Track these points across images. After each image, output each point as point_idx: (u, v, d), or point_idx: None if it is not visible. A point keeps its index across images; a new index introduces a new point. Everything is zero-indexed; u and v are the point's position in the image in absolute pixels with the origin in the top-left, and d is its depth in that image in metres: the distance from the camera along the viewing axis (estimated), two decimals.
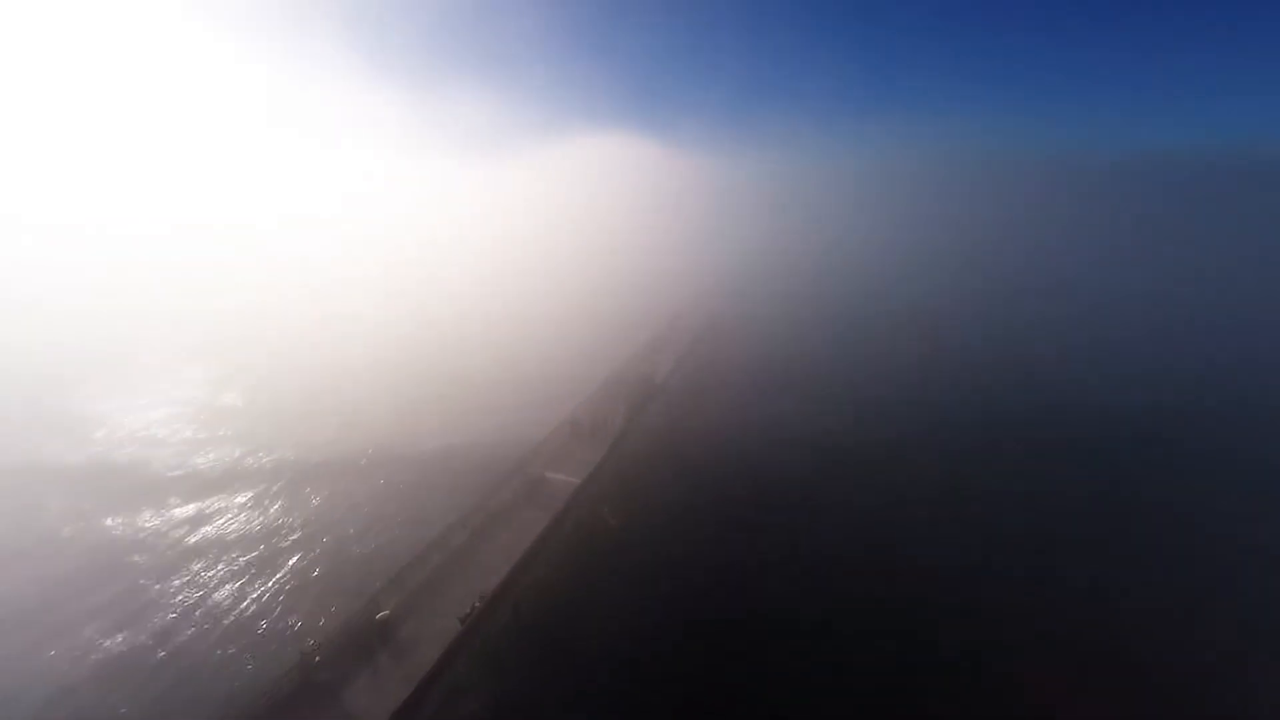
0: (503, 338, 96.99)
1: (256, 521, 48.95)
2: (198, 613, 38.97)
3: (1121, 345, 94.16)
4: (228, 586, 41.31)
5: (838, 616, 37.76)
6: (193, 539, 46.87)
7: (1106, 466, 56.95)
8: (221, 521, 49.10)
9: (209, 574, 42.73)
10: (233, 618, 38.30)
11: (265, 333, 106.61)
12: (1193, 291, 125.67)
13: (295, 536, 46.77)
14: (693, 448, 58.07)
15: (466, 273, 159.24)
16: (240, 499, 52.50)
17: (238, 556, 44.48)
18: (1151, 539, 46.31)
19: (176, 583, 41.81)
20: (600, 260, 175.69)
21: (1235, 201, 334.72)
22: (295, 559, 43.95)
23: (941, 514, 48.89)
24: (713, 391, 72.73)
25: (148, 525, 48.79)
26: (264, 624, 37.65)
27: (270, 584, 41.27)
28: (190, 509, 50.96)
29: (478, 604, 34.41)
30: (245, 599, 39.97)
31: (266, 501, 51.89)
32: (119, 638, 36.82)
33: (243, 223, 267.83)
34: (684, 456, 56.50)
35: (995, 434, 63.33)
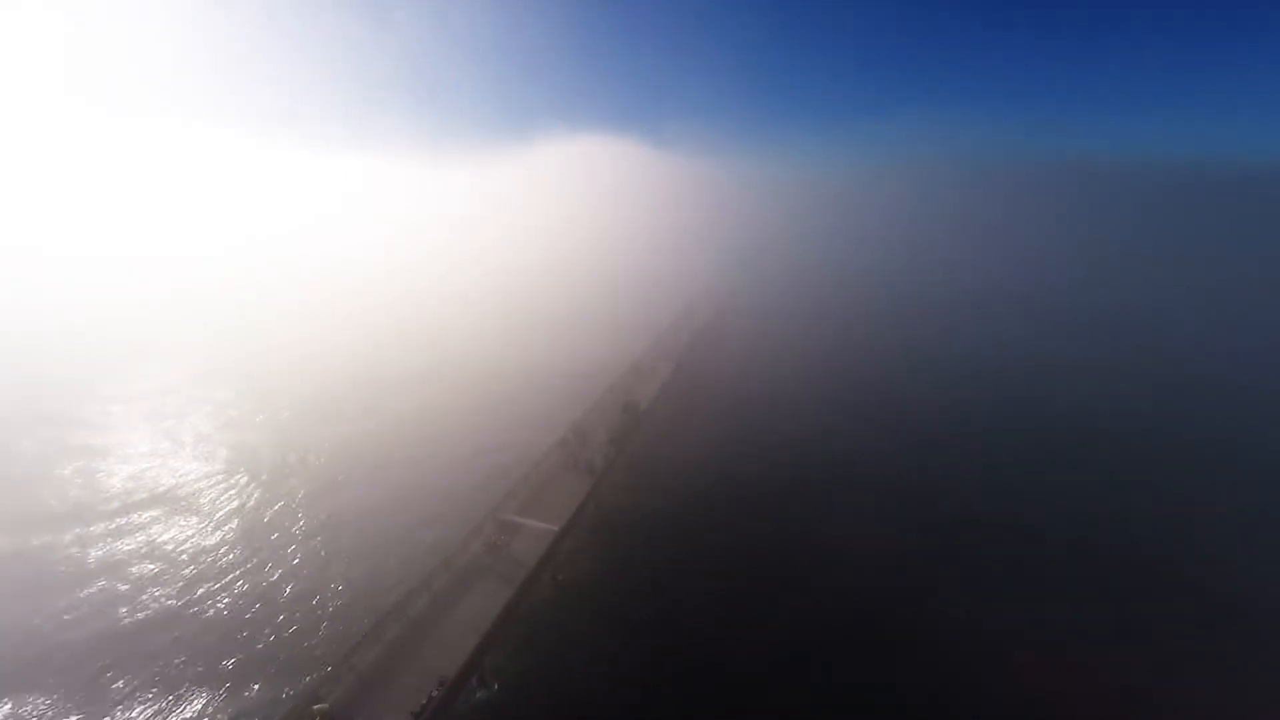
0: (481, 357, 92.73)
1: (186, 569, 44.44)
2: None
3: (1124, 349, 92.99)
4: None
5: (843, 678, 34.32)
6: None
7: (1108, 468, 57.19)
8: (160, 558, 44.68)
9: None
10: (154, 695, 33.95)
11: (243, 352, 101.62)
12: (1194, 299, 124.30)
13: (236, 590, 42.39)
14: (679, 486, 53.82)
15: (444, 285, 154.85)
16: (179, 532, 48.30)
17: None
18: (1151, 540, 46.29)
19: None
20: (584, 269, 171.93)
21: (1232, 208, 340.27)
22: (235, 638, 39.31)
23: (946, 537, 46.87)
24: (701, 418, 68.53)
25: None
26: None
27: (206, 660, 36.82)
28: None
29: (435, 693, 30.08)
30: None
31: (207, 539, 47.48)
32: None
33: (223, 234, 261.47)
34: (670, 496, 52.25)
35: (997, 447, 61.99)
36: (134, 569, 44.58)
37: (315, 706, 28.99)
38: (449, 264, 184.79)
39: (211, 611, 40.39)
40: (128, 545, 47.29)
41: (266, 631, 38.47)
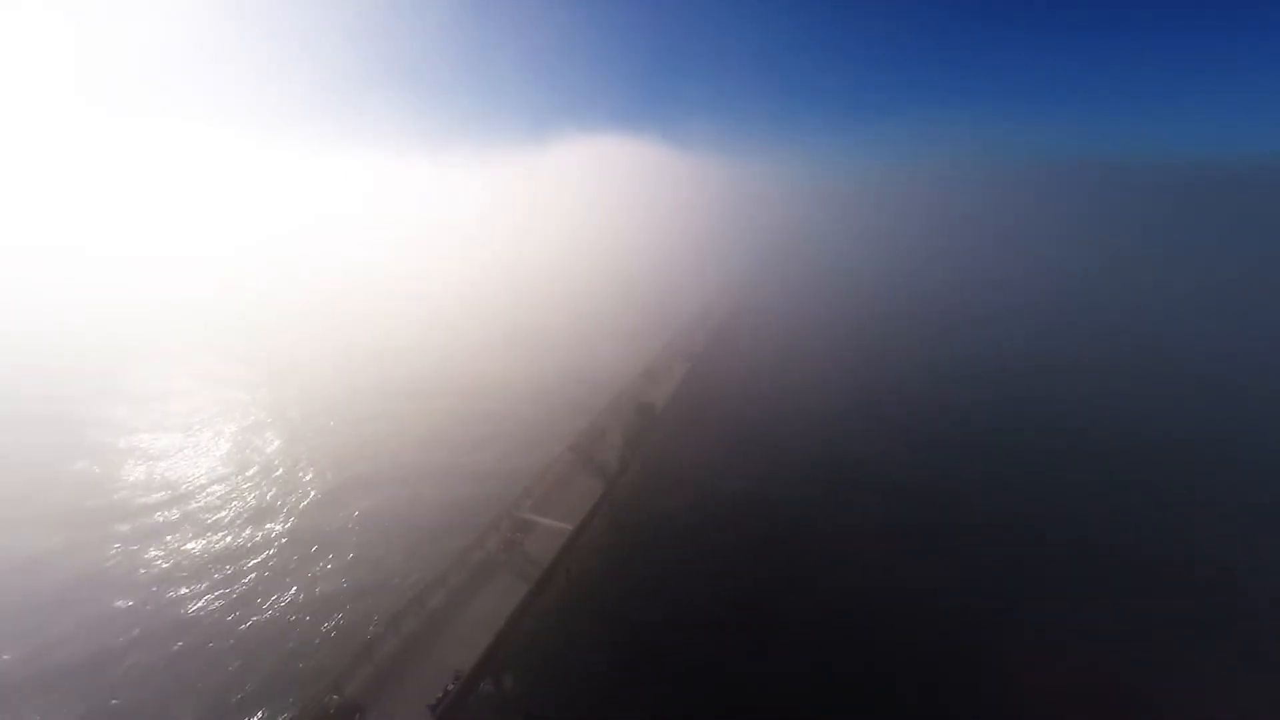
0: (498, 358, 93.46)
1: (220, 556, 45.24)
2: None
3: (1128, 350, 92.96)
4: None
5: (844, 678, 34.92)
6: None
7: (1109, 469, 57.47)
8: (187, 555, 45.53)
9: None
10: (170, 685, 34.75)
11: (259, 351, 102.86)
12: (1196, 300, 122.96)
13: (254, 580, 43.19)
14: (692, 487, 54.58)
15: (461, 285, 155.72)
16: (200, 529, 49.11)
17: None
18: (1151, 540, 46.47)
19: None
20: (600, 271, 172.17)
21: (1235, 208, 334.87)
22: (252, 615, 40.22)
23: (949, 537, 47.52)
24: (714, 419, 69.20)
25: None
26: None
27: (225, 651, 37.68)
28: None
29: (450, 686, 30.50)
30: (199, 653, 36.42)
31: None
32: None
33: (232, 235, 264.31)
34: (683, 497, 53.05)
35: (1001, 448, 62.52)
36: (153, 569, 45.66)
37: (332, 698, 29.48)
38: (463, 265, 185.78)
39: (234, 605, 41.37)
40: (151, 546, 48.28)
41: (287, 629, 39.34)
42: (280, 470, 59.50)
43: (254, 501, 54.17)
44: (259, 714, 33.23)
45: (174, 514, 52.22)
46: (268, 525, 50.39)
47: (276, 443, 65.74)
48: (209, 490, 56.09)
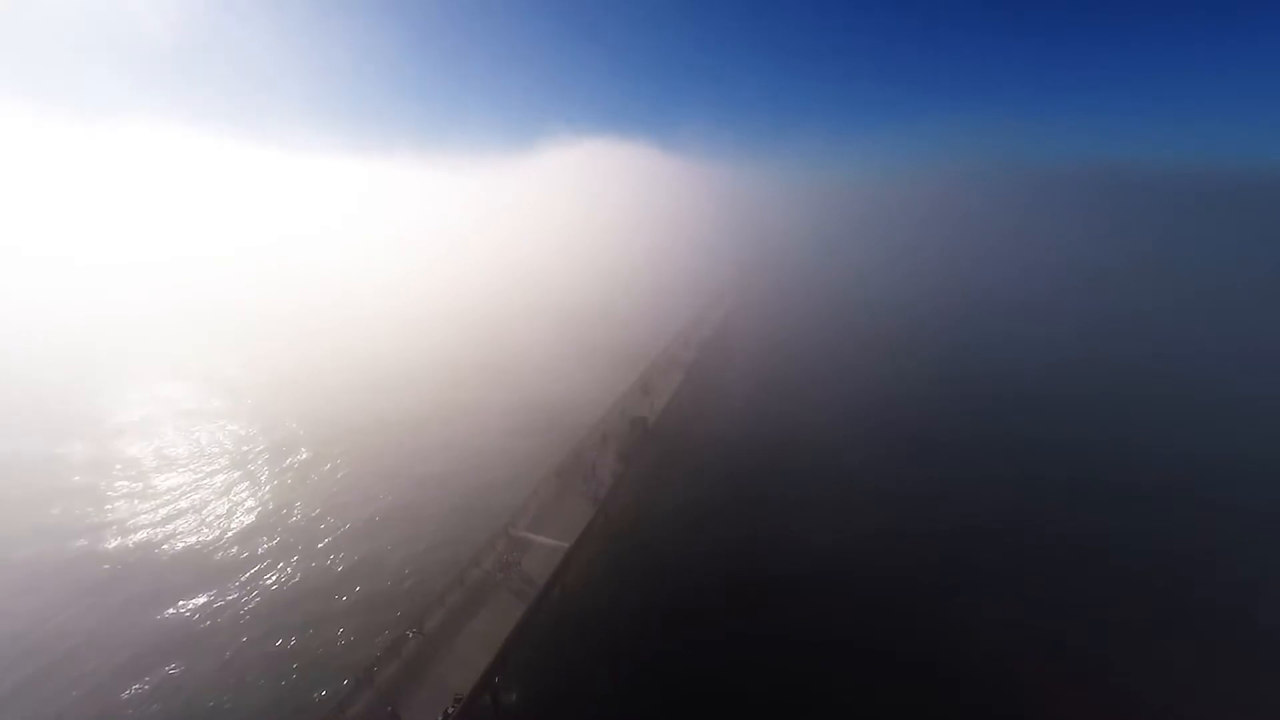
0: (487, 368, 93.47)
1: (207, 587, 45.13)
2: None
3: (1131, 354, 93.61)
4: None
5: (844, 686, 35.24)
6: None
7: (1110, 472, 57.96)
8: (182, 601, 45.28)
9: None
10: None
11: (238, 369, 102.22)
12: (1201, 304, 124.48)
13: (252, 605, 43.22)
14: (688, 500, 54.74)
15: (448, 291, 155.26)
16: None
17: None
18: (1153, 543, 46.85)
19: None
20: (593, 277, 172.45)
21: (1244, 214, 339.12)
22: (247, 639, 40.15)
23: (954, 541, 47.79)
24: (709, 431, 69.41)
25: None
26: None
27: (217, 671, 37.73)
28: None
29: (450, 710, 30.95)
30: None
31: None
32: None
33: (233, 239, 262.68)
34: (678, 510, 53.24)
35: (1002, 453, 62.69)
36: (164, 588, 45.28)
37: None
38: (454, 272, 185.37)
39: (242, 626, 41.28)
40: (125, 589, 45.54)
41: (296, 646, 39.41)
42: (267, 510, 55.70)
43: (241, 542, 50.99)
44: None
45: (140, 555, 48.70)
46: (257, 567, 47.76)
47: (264, 476, 62.30)
48: (219, 508, 55.20)
